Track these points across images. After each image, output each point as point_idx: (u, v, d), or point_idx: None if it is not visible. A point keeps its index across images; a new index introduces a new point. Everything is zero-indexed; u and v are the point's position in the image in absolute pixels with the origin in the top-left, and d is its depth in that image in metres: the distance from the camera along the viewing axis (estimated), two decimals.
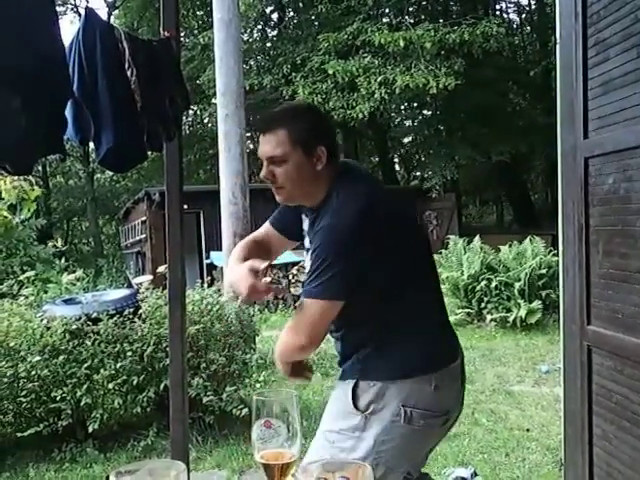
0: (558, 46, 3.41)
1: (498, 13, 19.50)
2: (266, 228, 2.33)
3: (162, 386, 4.55)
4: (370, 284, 1.92)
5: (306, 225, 2.12)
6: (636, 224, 2.56)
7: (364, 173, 2.22)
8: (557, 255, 3.50)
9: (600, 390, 2.82)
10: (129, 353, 4.62)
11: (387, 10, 16.45)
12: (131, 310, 4.91)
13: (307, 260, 2.02)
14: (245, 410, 4.68)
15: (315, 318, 1.94)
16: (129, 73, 2.10)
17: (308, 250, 2.04)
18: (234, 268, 2.06)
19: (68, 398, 4.51)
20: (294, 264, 13.61)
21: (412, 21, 16.12)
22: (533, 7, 19.40)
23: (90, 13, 2.12)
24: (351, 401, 2.00)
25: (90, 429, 4.58)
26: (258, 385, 5.12)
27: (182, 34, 19.21)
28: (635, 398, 2.55)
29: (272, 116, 2.14)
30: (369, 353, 2.01)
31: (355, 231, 1.87)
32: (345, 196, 1.94)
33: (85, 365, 4.56)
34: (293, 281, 13.47)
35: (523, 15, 20.41)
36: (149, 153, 2.21)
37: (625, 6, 2.58)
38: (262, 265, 1.97)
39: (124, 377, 4.61)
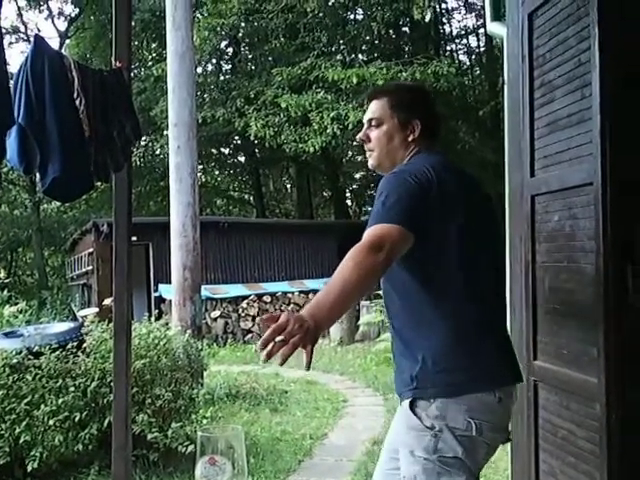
0: (506, 87, 3.51)
1: (448, 54, 19.98)
2: None
3: (106, 422, 4.42)
4: (430, 244, 1.88)
5: None
6: (581, 261, 2.61)
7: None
8: None
9: (546, 425, 2.84)
10: (72, 388, 4.49)
11: (340, 47, 16.70)
12: (75, 344, 4.79)
13: None
14: (191, 447, 4.57)
15: (387, 236, 1.79)
16: (78, 102, 2.08)
17: None
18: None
19: (6, 435, 4.34)
20: (244, 298, 13.52)
21: (365, 59, 16.40)
22: (482, 49, 19.94)
23: (39, 41, 2.09)
24: (418, 421, 1.92)
25: (29, 468, 4.40)
26: (205, 421, 5.03)
27: (135, 65, 19.18)
28: (580, 433, 2.57)
29: (384, 87, 2.46)
30: (427, 368, 1.93)
31: (418, 172, 1.93)
32: (416, 159, 2.08)
33: (25, 400, 4.41)
34: (243, 315, 13.37)
35: (473, 56, 20.95)
36: (98, 183, 2.18)
37: (569, 50, 2.67)
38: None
39: (66, 413, 4.47)
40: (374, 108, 2.16)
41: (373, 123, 2.15)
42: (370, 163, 2.19)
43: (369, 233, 1.82)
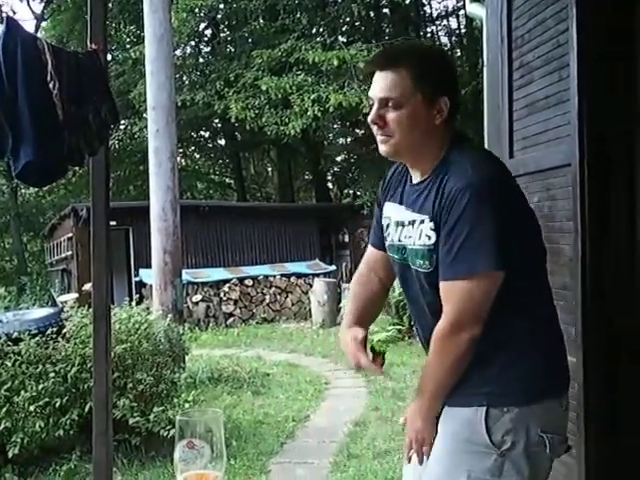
0: (485, 68, 3.51)
1: (429, 36, 19.94)
2: (369, 253, 2.04)
3: (87, 408, 4.40)
4: (511, 259, 1.61)
5: (397, 204, 1.84)
6: (560, 241, 2.63)
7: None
8: None
9: None
10: (52, 374, 4.47)
11: (321, 29, 16.61)
12: (54, 329, 4.76)
13: (409, 235, 1.75)
14: (173, 431, 4.55)
15: (476, 297, 1.60)
16: (51, 85, 2.04)
17: (404, 224, 1.78)
18: (343, 331, 1.92)
19: None
20: (225, 281, 13.50)
21: (345, 41, 16.32)
22: (463, 31, 19.90)
23: (11, 23, 2.05)
24: (486, 435, 1.63)
25: (10, 454, 4.38)
26: (187, 405, 5.02)
27: (113, 48, 18.94)
28: None
29: (397, 50, 1.90)
30: (499, 370, 1.66)
31: (500, 187, 1.64)
32: (474, 159, 1.69)
33: (5, 387, 4.38)
34: (224, 299, 13.35)
35: (453, 38, 20.92)
36: (76, 168, 2.15)
37: (548, 31, 2.67)
38: (360, 335, 1.83)
39: (46, 399, 4.45)
40: (391, 82, 1.69)
41: (390, 103, 1.69)
42: (384, 150, 1.74)
43: (466, 308, 1.59)
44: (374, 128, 1.74)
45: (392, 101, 1.69)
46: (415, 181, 1.79)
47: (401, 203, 1.83)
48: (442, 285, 1.64)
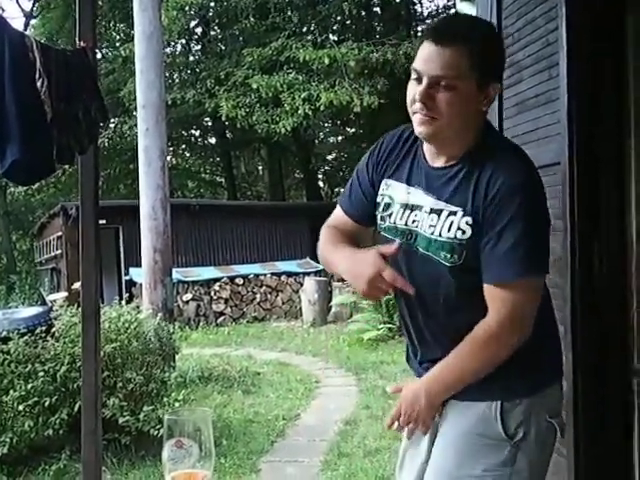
0: None
1: (420, 34, 20.02)
2: (341, 219, 1.87)
3: (76, 407, 4.38)
4: None
5: (403, 184, 1.73)
6: (551, 241, 2.63)
7: None
8: None
9: None
10: (41, 373, 4.45)
11: (312, 28, 16.60)
12: (44, 328, 4.74)
13: (430, 224, 1.65)
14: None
15: (530, 299, 1.59)
16: (39, 84, 2.03)
17: (419, 209, 1.68)
18: (353, 255, 1.69)
19: None
20: (216, 280, 13.48)
21: (336, 39, 16.32)
22: None
23: None
24: (501, 429, 1.63)
25: None
26: (177, 404, 5.01)
27: (103, 46, 18.87)
28: None
29: (455, 25, 1.66)
30: (511, 363, 1.61)
31: (543, 192, 1.63)
32: (517, 152, 1.66)
33: None
34: (215, 297, 13.33)
35: None
36: (66, 167, 2.14)
37: (537, 30, 2.68)
38: (392, 249, 1.64)
39: (35, 398, 4.43)
40: (448, 59, 1.53)
41: (443, 82, 1.53)
42: (425, 131, 1.60)
43: (519, 312, 1.56)
44: (417, 106, 1.58)
45: (445, 80, 1.54)
46: (437, 164, 1.67)
47: (410, 184, 1.71)
48: (495, 285, 1.58)
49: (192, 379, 7.18)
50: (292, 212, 16.67)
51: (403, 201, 1.71)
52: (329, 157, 22.93)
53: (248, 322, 13.14)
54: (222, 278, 13.57)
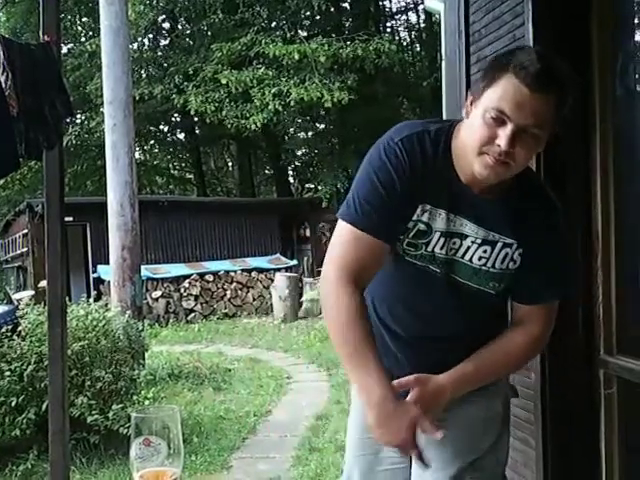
0: (444, 63, 3.53)
1: (390, 30, 20.02)
2: (375, 246, 1.62)
3: (44, 407, 4.32)
4: None
5: (443, 210, 1.61)
6: None
7: None
8: None
9: None
10: (7, 372, 4.40)
11: (281, 23, 16.55)
12: (9, 327, 4.68)
13: (482, 256, 1.63)
14: None
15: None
16: (4, 78, 2.00)
17: (481, 243, 1.63)
18: (386, 401, 1.53)
19: None
20: (185, 277, 13.40)
21: (305, 35, 16.30)
22: (422, 25, 20.04)
23: None
24: (501, 409, 1.84)
25: None
26: (147, 402, 4.98)
27: (68, 40, 18.60)
28: (515, 401, 2.64)
29: (555, 73, 1.48)
30: None
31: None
32: (544, 183, 1.77)
33: None
34: (185, 294, 13.25)
35: (413, 33, 21.04)
36: (32, 163, 2.11)
37: (504, 25, 2.69)
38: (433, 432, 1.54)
39: (2, 398, 4.38)
40: (540, 109, 1.44)
41: (531, 131, 1.45)
42: (492, 176, 1.52)
43: (551, 319, 1.73)
44: (495, 150, 1.47)
45: (534, 129, 1.46)
46: (484, 194, 1.60)
47: (452, 211, 1.61)
48: (540, 305, 1.70)
49: (162, 377, 7.14)
50: (262, 208, 16.61)
51: (443, 229, 1.62)
52: (299, 153, 22.91)
53: (218, 319, 13.09)
54: (192, 275, 13.50)
